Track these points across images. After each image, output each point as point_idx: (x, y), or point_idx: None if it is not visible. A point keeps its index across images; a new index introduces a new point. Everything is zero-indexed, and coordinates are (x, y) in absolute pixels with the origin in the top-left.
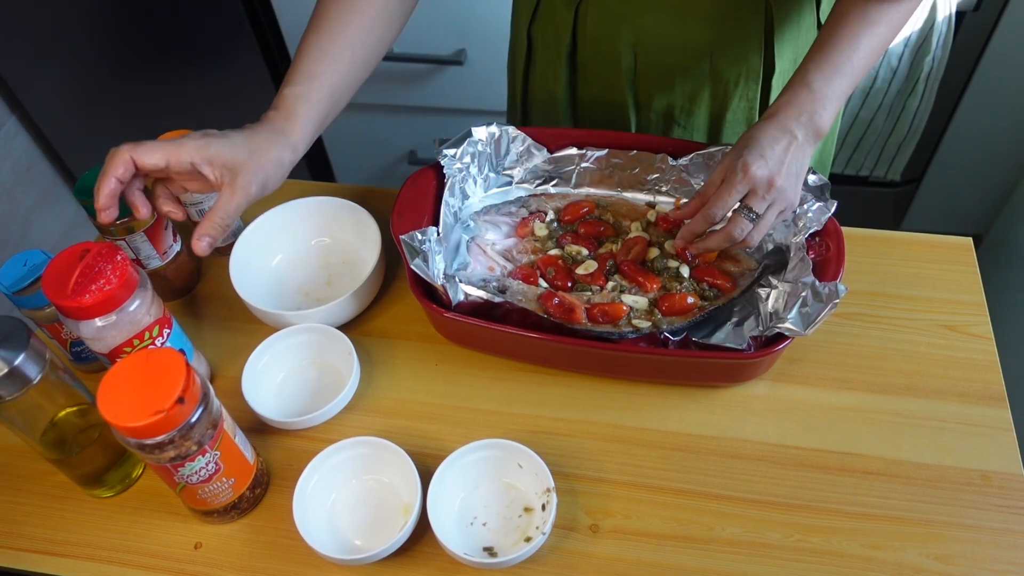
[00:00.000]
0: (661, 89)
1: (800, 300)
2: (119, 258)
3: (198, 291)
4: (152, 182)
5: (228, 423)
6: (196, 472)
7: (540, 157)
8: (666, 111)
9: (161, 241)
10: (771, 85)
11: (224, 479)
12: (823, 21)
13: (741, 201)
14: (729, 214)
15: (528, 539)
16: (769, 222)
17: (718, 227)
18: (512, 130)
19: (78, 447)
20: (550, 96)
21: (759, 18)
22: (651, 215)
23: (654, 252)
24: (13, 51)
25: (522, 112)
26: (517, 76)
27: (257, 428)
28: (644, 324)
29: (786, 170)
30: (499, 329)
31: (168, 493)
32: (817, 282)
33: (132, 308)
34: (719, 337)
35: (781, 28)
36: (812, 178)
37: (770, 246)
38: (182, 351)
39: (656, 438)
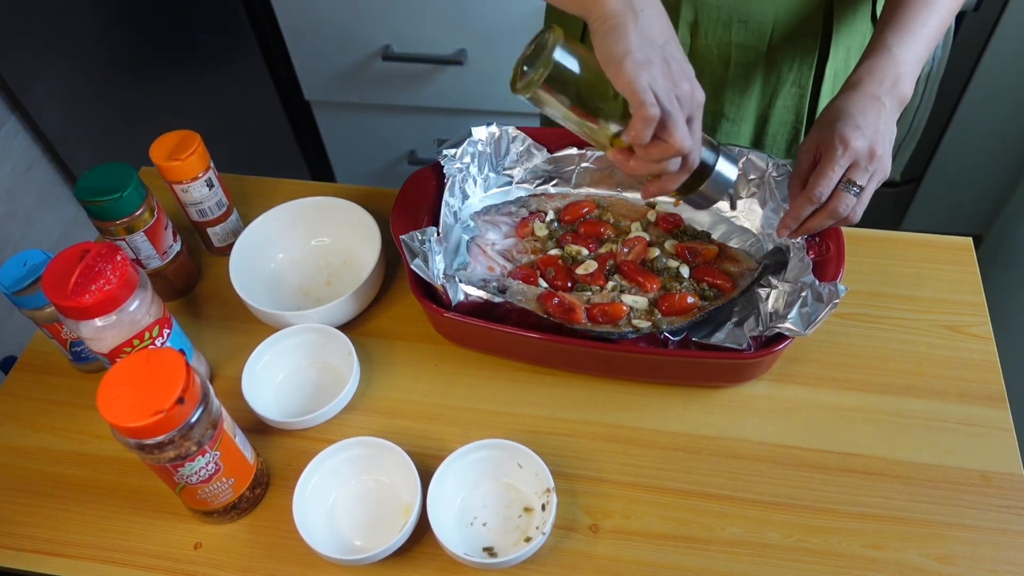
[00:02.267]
0: (714, 79)
1: (800, 300)
2: (119, 258)
3: (198, 291)
4: None
5: (228, 423)
6: (196, 472)
7: (540, 157)
8: (715, 108)
9: (161, 241)
10: (823, 73)
11: (224, 479)
12: (878, 14)
13: (843, 176)
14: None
15: (528, 539)
16: (870, 194)
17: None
18: (512, 130)
19: None
20: None
21: (820, 6)
22: (651, 215)
23: (654, 252)
24: (13, 51)
25: None
26: None
27: (257, 428)
28: (644, 324)
29: (883, 138)
30: (499, 329)
31: (168, 493)
32: (817, 282)
33: (132, 308)
34: (719, 337)
35: (840, 12)
36: None
37: (770, 246)
38: (182, 351)
39: (656, 438)
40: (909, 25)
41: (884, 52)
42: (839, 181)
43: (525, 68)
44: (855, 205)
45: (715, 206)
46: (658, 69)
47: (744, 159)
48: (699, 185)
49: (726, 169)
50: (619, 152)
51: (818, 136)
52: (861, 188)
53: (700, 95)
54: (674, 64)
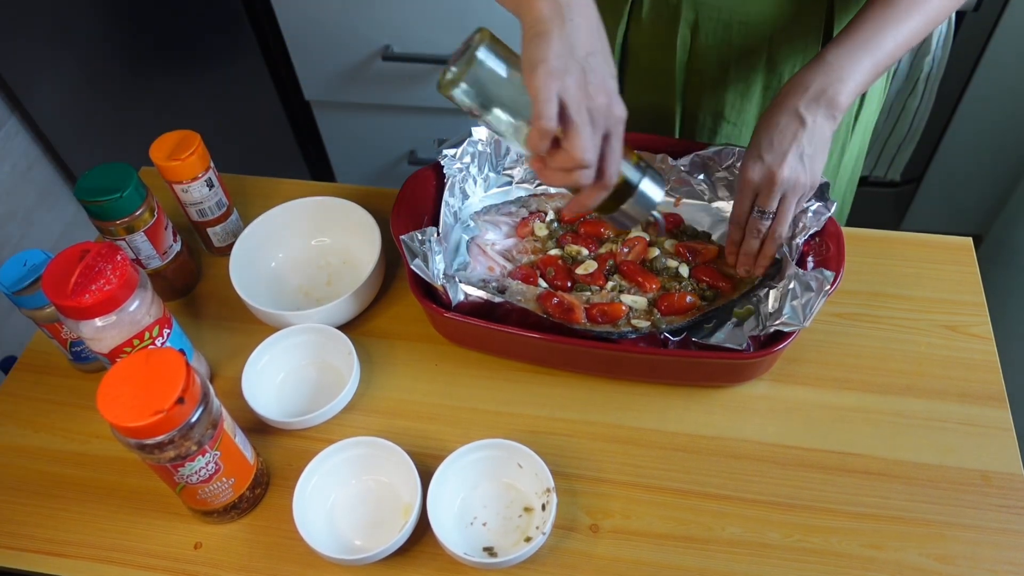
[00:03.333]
0: (714, 81)
1: (789, 293)
2: (119, 258)
3: (198, 291)
4: None
5: (228, 423)
6: (196, 472)
7: None
8: (716, 109)
9: (161, 241)
10: None
11: (224, 479)
12: None
13: (752, 205)
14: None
15: (528, 539)
16: (788, 212)
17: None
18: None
19: None
20: None
21: (821, 7)
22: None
23: (654, 252)
24: (13, 51)
25: None
26: None
27: (257, 428)
28: (643, 324)
29: (791, 157)
30: (499, 329)
31: (168, 493)
32: (801, 271)
33: (132, 308)
34: (719, 337)
35: (841, 15)
36: None
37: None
38: (182, 351)
39: (656, 438)
40: (854, 38)
41: (817, 61)
42: (752, 210)
43: (452, 67)
44: (772, 226)
45: (715, 206)
46: (573, 79)
47: None
48: (621, 204)
49: (650, 190)
50: (536, 160)
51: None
52: (769, 213)
53: (619, 111)
54: (593, 76)
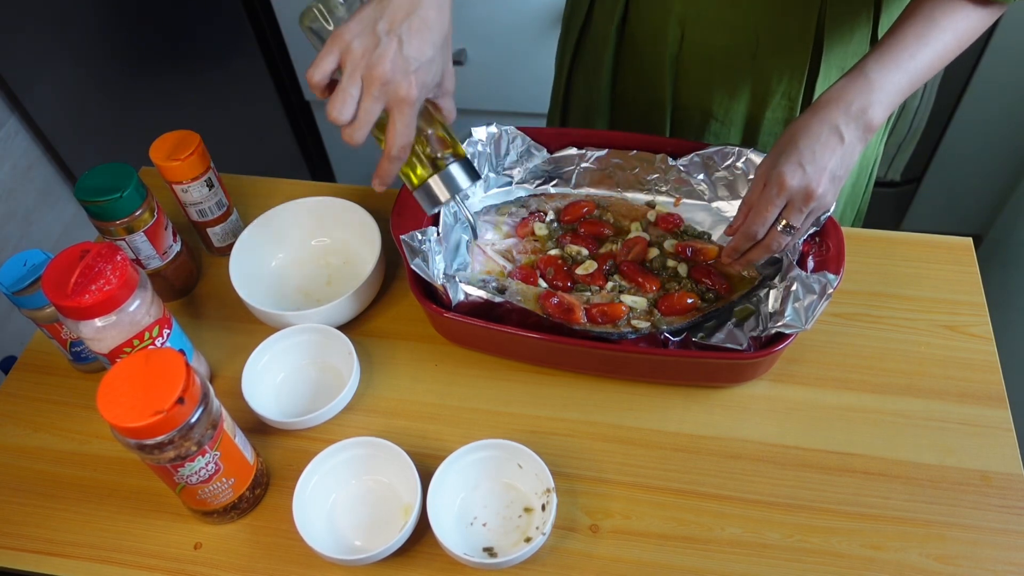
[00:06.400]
0: (702, 77)
1: (792, 295)
2: (119, 258)
3: (198, 291)
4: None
5: (228, 423)
6: (196, 472)
7: (540, 157)
8: (704, 106)
9: (161, 241)
10: (815, 88)
11: (224, 479)
12: (879, 37)
13: (780, 214)
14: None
15: (528, 539)
16: (805, 229)
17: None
18: (512, 130)
19: None
20: (591, 87)
21: (812, 14)
22: (651, 215)
23: (654, 252)
24: (13, 51)
25: (563, 105)
26: (563, 71)
27: (257, 428)
28: (643, 324)
29: (828, 176)
30: (499, 329)
31: (168, 493)
32: (804, 274)
33: (132, 308)
34: (719, 337)
35: (832, 31)
36: None
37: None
38: (182, 351)
39: (656, 438)
40: (896, 55)
41: (859, 75)
42: (776, 219)
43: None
44: (788, 242)
45: (715, 206)
46: (360, 45)
47: (744, 158)
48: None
49: (457, 174)
50: None
51: (770, 163)
52: (795, 228)
53: (406, 91)
54: (384, 50)
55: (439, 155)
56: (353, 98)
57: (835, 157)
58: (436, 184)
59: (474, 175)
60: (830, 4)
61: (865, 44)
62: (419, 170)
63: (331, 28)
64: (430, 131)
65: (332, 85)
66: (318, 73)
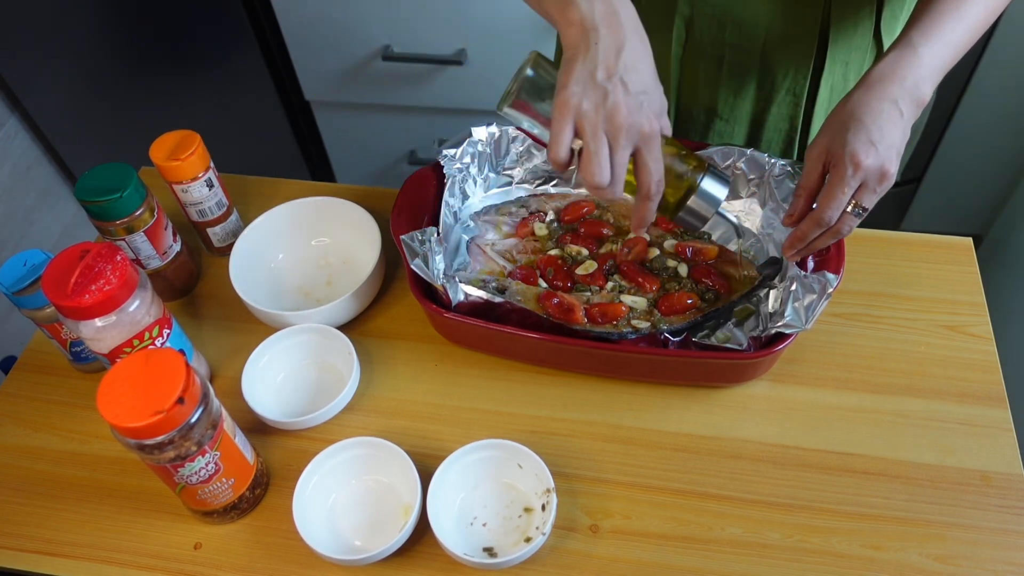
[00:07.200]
0: (707, 76)
1: (791, 295)
2: (119, 258)
3: (198, 291)
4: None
5: (228, 423)
6: (196, 472)
7: (540, 157)
8: (709, 105)
9: (161, 241)
10: (819, 84)
11: (224, 479)
12: (883, 31)
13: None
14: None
15: (528, 539)
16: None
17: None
18: (512, 130)
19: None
20: None
21: (817, 10)
22: None
23: (654, 252)
24: (13, 51)
25: None
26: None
27: (257, 428)
28: (643, 324)
29: (896, 152)
30: (499, 329)
31: (168, 493)
32: (804, 274)
33: (132, 308)
34: (719, 337)
35: (837, 26)
36: None
37: (770, 247)
38: (182, 351)
39: (656, 438)
40: (939, 28)
41: (909, 49)
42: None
43: (509, 89)
44: (856, 224)
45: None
46: (590, 103)
47: (745, 158)
48: (685, 203)
49: (711, 188)
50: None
51: (828, 142)
52: (866, 210)
53: (648, 127)
54: (614, 97)
55: (688, 176)
56: (606, 157)
57: (899, 132)
58: (697, 205)
59: (725, 181)
60: (835, 2)
61: (868, 38)
62: (673, 196)
63: (543, 103)
64: (669, 157)
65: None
66: (563, 149)
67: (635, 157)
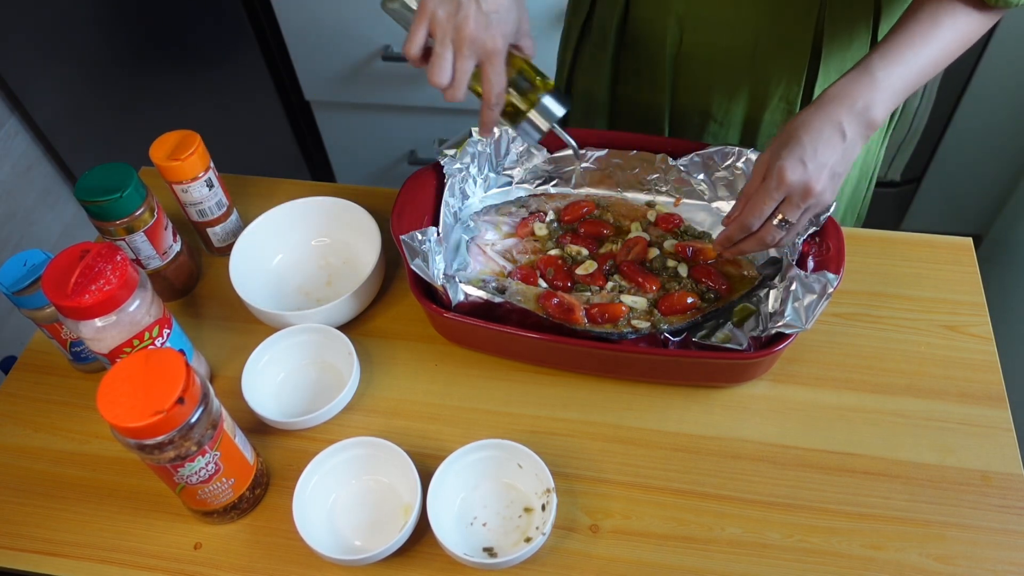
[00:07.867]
0: (701, 79)
1: (791, 295)
2: (119, 258)
3: (198, 291)
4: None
5: (228, 423)
6: (196, 472)
7: (540, 157)
8: (703, 108)
9: (161, 241)
10: (813, 92)
11: (224, 479)
12: (879, 40)
13: (776, 208)
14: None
15: (528, 539)
16: (802, 226)
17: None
18: (512, 130)
19: None
20: (591, 87)
21: (811, 18)
22: (651, 215)
23: (654, 252)
24: (13, 51)
25: None
26: (563, 71)
27: (257, 428)
28: (643, 324)
29: (827, 173)
30: (499, 329)
31: (168, 493)
32: (804, 274)
33: (132, 308)
34: (719, 337)
35: (831, 35)
36: None
37: (773, 252)
38: (182, 351)
39: (656, 438)
40: (901, 53)
41: (864, 73)
42: (772, 213)
43: None
44: (783, 237)
45: (715, 206)
46: (444, 11)
47: (744, 158)
48: (526, 115)
49: (550, 104)
50: None
51: (770, 155)
52: (790, 224)
53: (492, 43)
54: (466, 11)
55: (530, 92)
56: (448, 61)
57: (836, 154)
58: (535, 117)
59: (566, 102)
60: (829, 9)
61: (865, 49)
62: (516, 110)
63: (412, 4)
64: (516, 74)
65: (426, 55)
66: (414, 47)
67: (480, 69)
